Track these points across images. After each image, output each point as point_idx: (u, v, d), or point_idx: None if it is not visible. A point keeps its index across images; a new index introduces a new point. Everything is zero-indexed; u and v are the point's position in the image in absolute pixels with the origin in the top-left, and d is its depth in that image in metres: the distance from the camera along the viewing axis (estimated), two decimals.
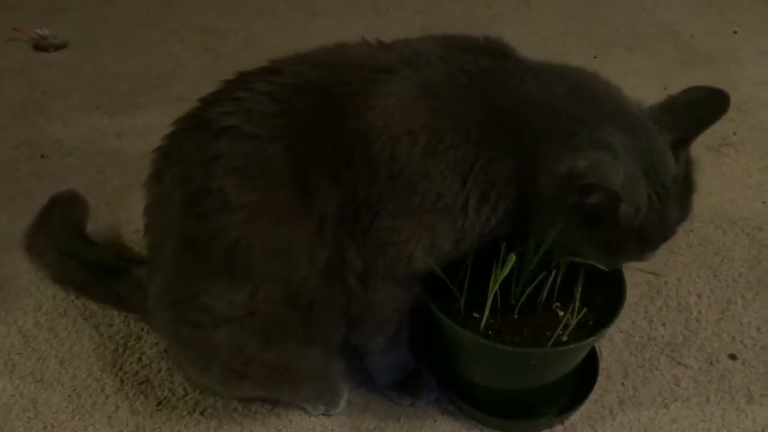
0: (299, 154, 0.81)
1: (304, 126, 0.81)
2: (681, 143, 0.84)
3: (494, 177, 0.82)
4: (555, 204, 0.80)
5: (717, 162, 1.58)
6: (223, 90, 0.87)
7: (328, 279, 0.86)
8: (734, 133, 1.66)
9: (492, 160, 0.81)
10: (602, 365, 1.08)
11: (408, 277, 0.89)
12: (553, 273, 0.95)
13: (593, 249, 0.85)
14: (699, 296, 1.23)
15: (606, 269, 0.89)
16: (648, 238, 0.83)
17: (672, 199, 0.82)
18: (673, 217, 0.83)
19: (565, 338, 0.92)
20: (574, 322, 0.92)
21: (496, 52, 0.86)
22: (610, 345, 1.13)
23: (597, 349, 1.09)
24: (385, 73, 0.82)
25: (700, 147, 1.58)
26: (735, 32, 2.13)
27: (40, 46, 1.97)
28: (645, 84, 1.74)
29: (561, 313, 0.96)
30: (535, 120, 0.81)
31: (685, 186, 0.84)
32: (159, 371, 1.08)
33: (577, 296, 0.94)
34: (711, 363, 1.11)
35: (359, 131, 0.80)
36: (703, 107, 0.85)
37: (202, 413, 1.02)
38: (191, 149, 0.85)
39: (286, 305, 0.87)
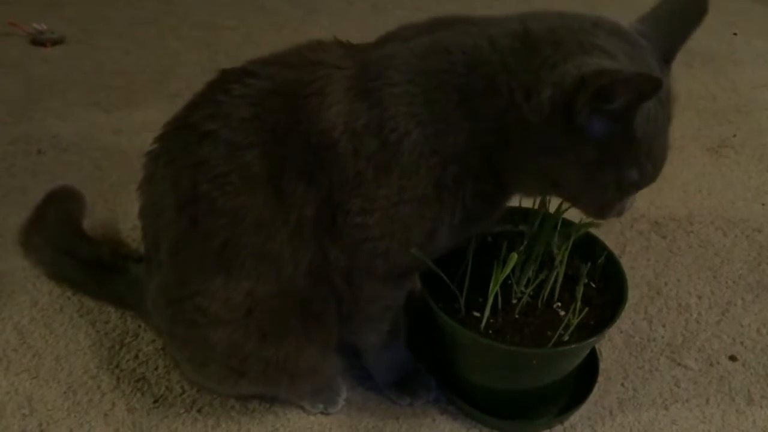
0: (274, 158, 0.81)
1: (276, 129, 0.81)
2: (666, 59, 0.80)
3: (446, 155, 0.78)
4: (550, 139, 0.74)
5: (716, 164, 1.58)
6: (206, 92, 0.87)
7: (313, 279, 0.86)
8: (734, 135, 1.66)
9: (440, 134, 0.78)
10: (602, 366, 1.08)
11: (391, 275, 0.88)
12: (555, 272, 0.95)
13: (605, 180, 0.78)
14: (699, 297, 1.23)
15: (600, 217, 0.84)
16: (653, 146, 0.77)
17: (663, 102, 0.78)
18: (665, 124, 0.79)
19: (566, 338, 0.92)
20: (575, 322, 0.92)
21: (447, 22, 0.83)
22: (610, 346, 1.13)
23: (597, 350, 1.08)
24: (342, 69, 0.81)
25: (699, 148, 1.61)
26: (735, 34, 2.14)
27: (37, 41, 1.96)
28: None
29: (562, 313, 0.95)
30: (486, 65, 0.76)
31: (668, 96, 0.80)
32: (156, 369, 1.07)
33: (579, 296, 0.94)
34: (711, 364, 1.11)
35: (325, 131, 0.79)
36: (681, 17, 0.80)
37: (199, 411, 1.01)
38: (178, 153, 0.86)
39: (281, 303, 0.87)
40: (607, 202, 0.81)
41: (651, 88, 0.68)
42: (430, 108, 0.78)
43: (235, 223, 0.82)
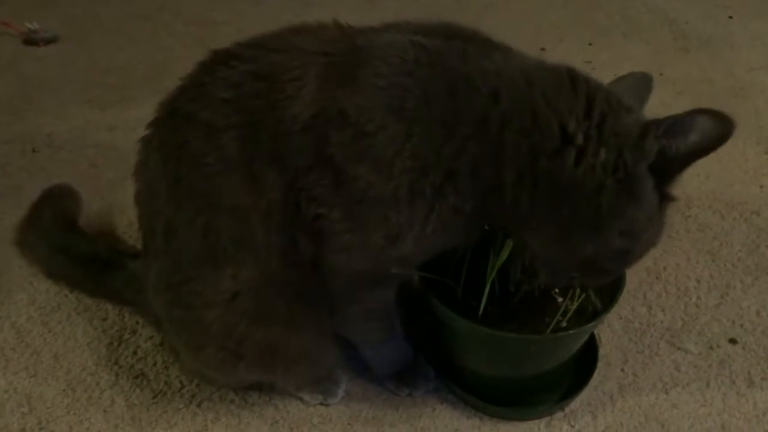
0: (248, 142, 0.80)
1: (253, 113, 0.80)
2: None
3: (429, 162, 0.74)
4: (598, 192, 0.73)
5: None
6: (194, 74, 0.87)
7: (287, 266, 0.84)
8: None
9: (431, 138, 0.74)
10: (602, 352, 1.08)
11: (359, 277, 0.86)
12: None
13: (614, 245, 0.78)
14: (698, 281, 1.23)
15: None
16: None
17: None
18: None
19: (564, 324, 0.91)
20: (573, 308, 0.92)
21: (453, 32, 0.82)
22: (610, 331, 1.13)
23: (596, 336, 1.08)
24: (327, 55, 0.80)
25: None
26: (730, 17, 2.13)
27: (30, 40, 1.95)
28: (640, 71, 1.74)
29: (560, 300, 0.95)
30: (524, 92, 0.75)
31: None
32: (154, 364, 1.07)
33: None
34: (711, 348, 1.11)
35: (297, 114, 0.78)
36: (634, 93, 0.83)
37: (198, 405, 1.01)
38: (166, 136, 0.86)
39: (265, 288, 0.86)
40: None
41: (728, 130, 0.70)
42: (427, 108, 0.75)
43: (213, 206, 0.82)
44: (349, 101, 0.76)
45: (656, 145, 0.71)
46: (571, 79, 0.76)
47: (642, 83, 0.86)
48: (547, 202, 0.76)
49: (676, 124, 0.71)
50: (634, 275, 1.22)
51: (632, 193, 0.74)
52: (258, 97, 0.80)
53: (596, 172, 0.73)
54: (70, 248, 1.16)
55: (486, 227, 0.88)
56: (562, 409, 1.01)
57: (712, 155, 1.56)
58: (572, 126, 0.73)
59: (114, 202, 1.36)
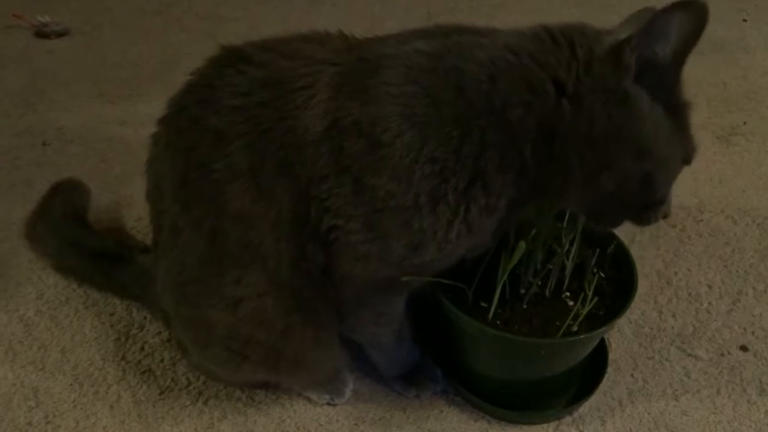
0: (256, 151, 0.79)
1: (261, 122, 0.79)
2: None
3: (449, 165, 0.74)
4: (606, 116, 0.72)
5: (727, 151, 1.55)
6: (203, 72, 0.86)
7: (296, 272, 0.84)
8: (744, 123, 1.64)
9: (447, 140, 0.73)
10: (611, 356, 1.07)
11: (375, 285, 0.85)
12: (562, 261, 0.94)
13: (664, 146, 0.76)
14: (709, 287, 1.22)
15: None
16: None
17: None
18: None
19: (575, 329, 0.91)
20: (584, 312, 0.91)
21: (457, 29, 0.81)
22: (620, 336, 1.12)
23: (606, 341, 1.07)
24: (336, 65, 0.79)
25: (709, 136, 1.59)
26: (744, 20, 2.11)
27: (41, 33, 1.95)
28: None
29: (571, 303, 0.94)
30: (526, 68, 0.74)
31: None
32: (162, 361, 1.07)
33: (587, 286, 0.93)
34: (722, 354, 1.10)
35: (309, 126, 0.77)
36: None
37: (205, 403, 1.01)
38: (174, 136, 0.85)
39: (270, 293, 0.85)
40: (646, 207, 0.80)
41: (703, 12, 0.68)
42: (437, 111, 0.74)
43: (219, 212, 0.81)
44: (362, 112, 0.76)
45: (633, 57, 0.71)
46: (550, 34, 0.76)
47: (643, 15, 0.82)
48: (562, 159, 0.75)
49: (649, 31, 0.70)
50: (644, 279, 1.21)
51: (624, 112, 0.72)
52: (266, 106, 0.79)
53: (584, 106, 0.72)
54: (78, 242, 1.16)
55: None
56: (571, 413, 1.00)
57: (724, 159, 1.56)
58: (563, 75, 0.73)
59: (123, 196, 1.36)
